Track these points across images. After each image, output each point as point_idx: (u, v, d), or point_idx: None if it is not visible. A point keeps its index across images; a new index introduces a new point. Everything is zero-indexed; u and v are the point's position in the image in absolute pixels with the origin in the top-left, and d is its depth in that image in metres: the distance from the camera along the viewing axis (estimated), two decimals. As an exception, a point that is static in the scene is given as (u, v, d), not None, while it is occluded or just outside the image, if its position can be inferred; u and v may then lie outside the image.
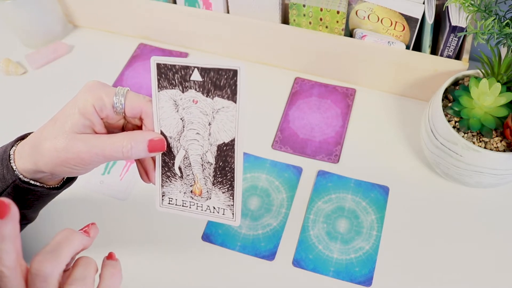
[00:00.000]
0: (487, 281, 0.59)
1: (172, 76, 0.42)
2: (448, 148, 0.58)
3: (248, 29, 0.76)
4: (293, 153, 0.70)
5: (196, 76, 0.42)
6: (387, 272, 0.60)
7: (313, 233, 0.63)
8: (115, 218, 0.65)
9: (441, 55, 0.68)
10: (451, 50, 0.67)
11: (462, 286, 0.58)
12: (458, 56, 0.69)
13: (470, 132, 0.58)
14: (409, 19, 0.66)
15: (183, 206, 0.47)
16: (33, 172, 0.46)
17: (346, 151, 0.70)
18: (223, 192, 0.45)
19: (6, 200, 0.34)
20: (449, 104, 0.60)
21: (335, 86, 0.77)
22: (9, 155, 0.47)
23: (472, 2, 0.56)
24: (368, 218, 0.64)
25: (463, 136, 0.57)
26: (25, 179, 0.47)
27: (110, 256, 0.43)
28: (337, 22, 0.70)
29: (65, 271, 0.39)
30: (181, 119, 0.44)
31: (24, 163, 0.46)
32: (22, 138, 0.49)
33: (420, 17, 0.65)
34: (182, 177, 0.46)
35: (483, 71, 0.61)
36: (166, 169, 0.46)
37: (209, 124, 0.43)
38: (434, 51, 0.72)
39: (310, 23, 0.72)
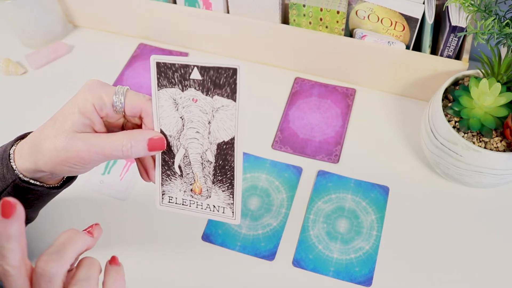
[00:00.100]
0: (487, 281, 0.59)
1: (172, 75, 0.42)
2: (448, 148, 0.58)
3: (248, 29, 0.76)
4: (293, 153, 0.70)
5: (195, 74, 0.42)
6: (387, 272, 0.60)
7: (313, 233, 0.63)
8: (115, 218, 0.65)
9: (441, 55, 0.68)
10: (451, 50, 0.67)
11: (462, 286, 0.58)
12: (458, 56, 0.69)
13: (470, 132, 0.58)
14: (409, 19, 0.66)
15: (183, 204, 0.47)
16: (33, 172, 0.46)
17: (346, 151, 0.70)
18: (223, 191, 0.45)
19: (12, 200, 0.34)
20: (449, 104, 0.61)
21: (335, 86, 0.77)
22: (9, 154, 0.47)
23: (472, 2, 0.56)
24: (368, 218, 0.64)
25: (463, 136, 0.57)
26: (25, 179, 0.47)
27: (113, 261, 0.43)
28: (337, 22, 0.70)
29: (69, 271, 0.39)
30: (180, 117, 0.44)
31: (24, 162, 0.46)
32: (22, 137, 0.49)
33: (420, 17, 0.65)
34: (182, 176, 0.46)
35: (483, 71, 0.61)
36: (166, 167, 0.46)
37: (209, 122, 0.43)
38: (434, 51, 0.72)
39: (310, 23, 0.72)
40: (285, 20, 0.76)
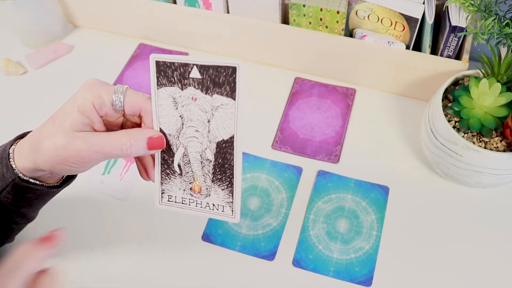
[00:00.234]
0: (487, 281, 0.59)
1: (171, 73, 0.42)
2: (448, 148, 0.58)
3: (248, 29, 0.76)
4: (293, 153, 0.70)
5: (195, 73, 0.42)
6: (387, 272, 0.60)
7: (313, 233, 0.63)
8: (115, 218, 0.65)
9: (441, 55, 0.68)
10: (451, 50, 0.67)
11: (462, 286, 0.58)
12: (458, 56, 0.69)
13: (470, 132, 0.58)
14: (409, 19, 0.66)
15: (182, 203, 0.47)
16: (32, 171, 0.46)
17: (346, 151, 0.70)
18: (223, 189, 0.45)
19: (59, 233, 0.36)
20: (449, 104, 0.60)
21: (335, 86, 0.77)
22: (9, 153, 0.47)
23: (472, 2, 0.56)
24: (368, 218, 0.64)
25: (463, 136, 0.57)
26: (25, 178, 0.47)
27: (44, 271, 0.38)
28: (337, 22, 0.70)
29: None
30: (180, 116, 0.44)
31: (23, 161, 0.46)
32: (21, 136, 0.49)
33: (420, 17, 0.65)
34: (182, 175, 0.46)
35: (483, 71, 0.61)
36: (165, 166, 0.46)
37: (208, 121, 0.43)
38: (434, 51, 0.72)
39: (310, 23, 0.72)
40: (285, 20, 0.76)
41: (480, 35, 0.55)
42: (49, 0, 0.83)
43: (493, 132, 0.58)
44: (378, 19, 0.69)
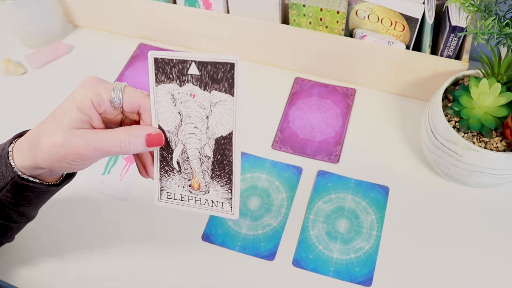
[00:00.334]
0: (487, 281, 0.59)
1: (170, 70, 0.42)
2: (448, 148, 0.58)
3: (248, 29, 0.76)
4: (293, 153, 0.70)
5: (193, 70, 0.42)
6: (387, 272, 0.59)
7: (313, 233, 0.63)
8: (115, 218, 0.65)
9: (441, 55, 0.68)
10: (451, 50, 0.67)
11: (462, 286, 0.58)
12: (458, 56, 0.69)
13: (470, 132, 0.58)
14: (409, 19, 0.66)
15: (181, 200, 0.47)
16: (31, 169, 0.46)
17: (346, 151, 0.70)
18: (221, 186, 0.45)
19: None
20: (449, 104, 0.60)
21: (335, 86, 0.77)
22: (8, 152, 0.47)
23: (472, 2, 0.56)
24: (368, 218, 0.64)
25: (463, 136, 0.57)
26: (24, 176, 0.47)
27: None
28: (337, 22, 0.70)
29: None
30: (178, 113, 0.44)
31: (22, 159, 0.46)
32: (20, 135, 0.49)
33: (420, 17, 0.65)
34: (180, 171, 0.46)
35: (483, 71, 0.61)
36: (164, 163, 0.46)
37: (207, 117, 0.43)
38: (434, 51, 0.72)
39: (310, 23, 0.72)
40: (285, 20, 0.76)
41: (480, 35, 0.55)
42: (49, 0, 0.83)
43: (493, 132, 0.58)
44: (378, 19, 0.69)
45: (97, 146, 0.43)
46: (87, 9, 0.86)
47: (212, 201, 0.46)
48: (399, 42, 0.69)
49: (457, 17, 0.64)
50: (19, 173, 0.46)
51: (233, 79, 0.41)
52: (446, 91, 0.62)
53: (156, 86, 0.44)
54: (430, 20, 0.65)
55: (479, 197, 0.65)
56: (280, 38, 0.75)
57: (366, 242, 0.62)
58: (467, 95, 0.58)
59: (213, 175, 0.45)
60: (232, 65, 0.40)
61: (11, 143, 0.47)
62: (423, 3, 0.65)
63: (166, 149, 0.46)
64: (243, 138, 0.43)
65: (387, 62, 0.71)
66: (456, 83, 0.63)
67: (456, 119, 0.59)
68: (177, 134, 0.45)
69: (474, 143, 0.57)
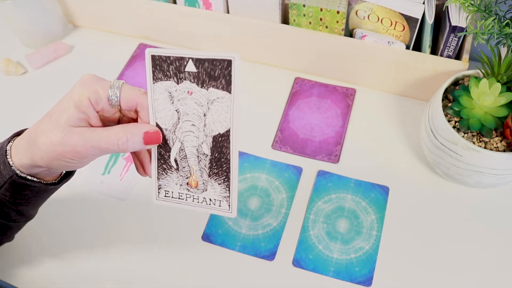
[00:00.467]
0: (487, 281, 0.59)
1: (167, 67, 0.42)
2: (448, 148, 0.58)
3: (248, 29, 0.76)
4: (293, 153, 0.70)
5: (190, 67, 0.42)
6: (387, 272, 0.59)
7: (313, 233, 0.63)
8: (115, 218, 0.65)
9: (441, 55, 0.68)
10: (451, 50, 0.67)
11: (462, 286, 0.58)
12: (458, 56, 0.69)
13: (470, 132, 0.58)
14: (409, 19, 0.66)
15: (179, 198, 0.47)
16: (29, 167, 0.46)
17: (346, 151, 0.70)
18: (219, 184, 0.45)
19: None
20: (449, 104, 0.60)
21: (335, 86, 0.77)
22: (6, 150, 0.47)
23: (472, 2, 0.56)
24: (368, 218, 0.64)
25: (463, 136, 0.57)
26: (22, 175, 0.47)
27: None
28: (337, 22, 0.70)
29: None
30: (176, 110, 0.44)
31: (20, 158, 0.46)
32: (18, 134, 0.49)
33: (420, 17, 0.65)
34: (178, 169, 0.46)
35: (483, 71, 0.61)
36: (162, 161, 0.46)
37: (204, 115, 0.43)
38: (434, 51, 0.72)
39: (310, 23, 0.72)
40: (285, 20, 0.76)
41: (480, 35, 0.55)
42: (49, 0, 0.83)
43: (493, 132, 0.58)
44: (378, 19, 0.69)
45: (95, 144, 0.43)
46: (87, 9, 0.86)
47: (210, 199, 0.46)
48: (399, 42, 0.69)
49: (457, 17, 0.64)
50: (17, 171, 0.46)
51: (230, 76, 0.41)
52: (446, 91, 0.62)
53: (154, 83, 0.43)
54: (430, 20, 0.65)
55: (479, 197, 0.65)
56: (280, 38, 0.75)
57: (366, 242, 0.62)
58: (467, 95, 0.58)
59: (210, 173, 0.45)
60: (229, 62, 0.40)
61: (9, 142, 0.47)
62: (423, 3, 0.65)
63: (164, 147, 0.46)
64: (241, 136, 0.43)
65: (387, 62, 0.71)
66: (456, 83, 0.63)
67: (456, 119, 0.59)
68: (174, 131, 0.45)
69: (474, 143, 0.57)
